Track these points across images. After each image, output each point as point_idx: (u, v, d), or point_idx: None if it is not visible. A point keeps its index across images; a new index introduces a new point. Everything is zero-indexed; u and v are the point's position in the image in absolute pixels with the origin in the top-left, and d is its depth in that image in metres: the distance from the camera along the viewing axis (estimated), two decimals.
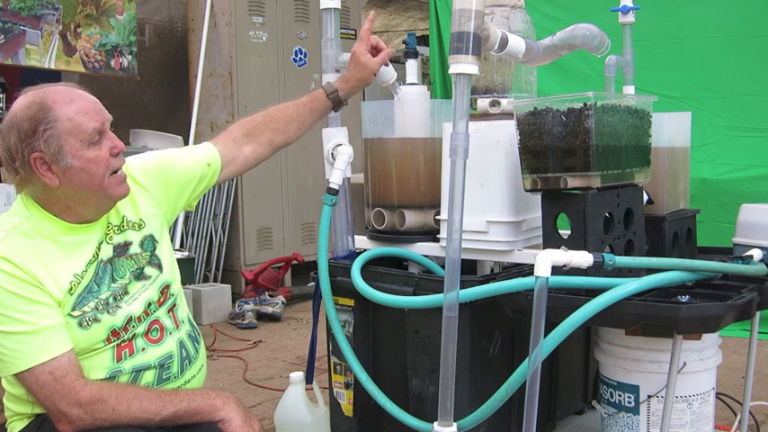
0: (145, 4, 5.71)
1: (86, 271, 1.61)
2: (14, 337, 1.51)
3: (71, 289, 1.58)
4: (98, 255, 1.65)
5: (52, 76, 4.58)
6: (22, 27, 4.31)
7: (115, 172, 1.62)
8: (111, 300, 1.63)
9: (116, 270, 1.67)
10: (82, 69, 4.68)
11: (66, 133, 1.54)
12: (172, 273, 1.79)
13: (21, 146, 1.53)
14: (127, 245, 1.71)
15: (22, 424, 1.64)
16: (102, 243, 1.67)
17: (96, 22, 4.73)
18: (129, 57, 4.95)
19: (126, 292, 1.66)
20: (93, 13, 4.70)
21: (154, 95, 5.91)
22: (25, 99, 1.57)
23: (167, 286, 1.76)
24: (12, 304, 1.51)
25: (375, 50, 2.06)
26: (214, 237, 5.10)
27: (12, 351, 1.51)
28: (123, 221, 1.73)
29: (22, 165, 1.55)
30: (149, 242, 1.76)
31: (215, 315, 4.66)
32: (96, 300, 1.61)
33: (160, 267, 1.76)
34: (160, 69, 5.91)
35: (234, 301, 4.75)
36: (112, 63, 4.84)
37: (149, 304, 1.69)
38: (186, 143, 4.75)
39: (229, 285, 4.89)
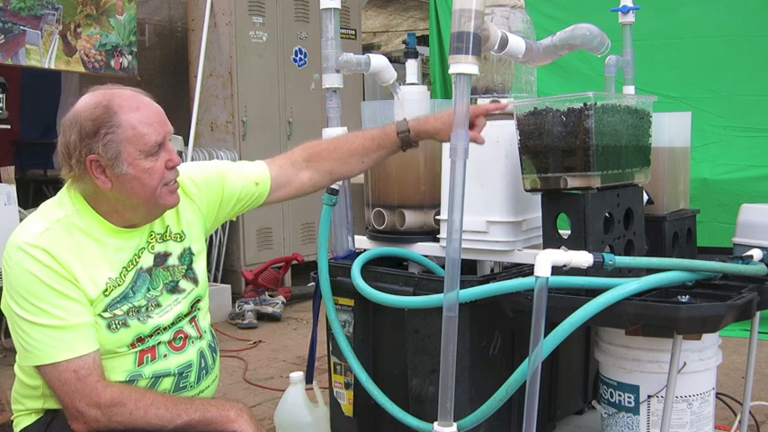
0: (145, 4, 5.71)
1: (121, 277, 1.61)
2: (42, 329, 1.50)
3: (106, 290, 1.57)
4: (137, 262, 1.65)
5: (52, 76, 4.58)
6: (22, 27, 4.30)
7: (167, 183, 1.62)
8: (143, 309, 1.62)
9: (152, 280, 1.67)
10: (82, 69, 4.68)
11: (126, 141, 1.54)
12: (204, 286, 1.80)
13: (80, 145, 1.53)
14: (166, 255, 1.71)
15: (29, 420, 1.63)
16: (143, 250, 1.66)
17: (96, 22, 4.72)
18: (129, 57, 4.95)
19: (158, 305, 1.66)
20: (93, 13, 4.70)
21: (154, 95, 5.89)
22: (92, 98, 1.56)
23: (198, 300, 1.76)
24: (45, 296, 1.50)
25: (471, 125, 1.82)
26: (214, 237, 5.09)
27: (37, 342, 1.51)
28: (167, 231, 1.73)
29: (78, 163, 1.54)
30: (187, 255, 1.76)
31: (215, 315, 4.64)
32: (130, 305, 1.60)
33: (195, 281, 1.76)
34: (160, 69, 5.90)
35: (234, 301, 4.74)
36: (112, 63, 4.84)
37: (179, 318, 1.69)
38: (186, 143, 4.74)
39: (229, 285, 4.89)
